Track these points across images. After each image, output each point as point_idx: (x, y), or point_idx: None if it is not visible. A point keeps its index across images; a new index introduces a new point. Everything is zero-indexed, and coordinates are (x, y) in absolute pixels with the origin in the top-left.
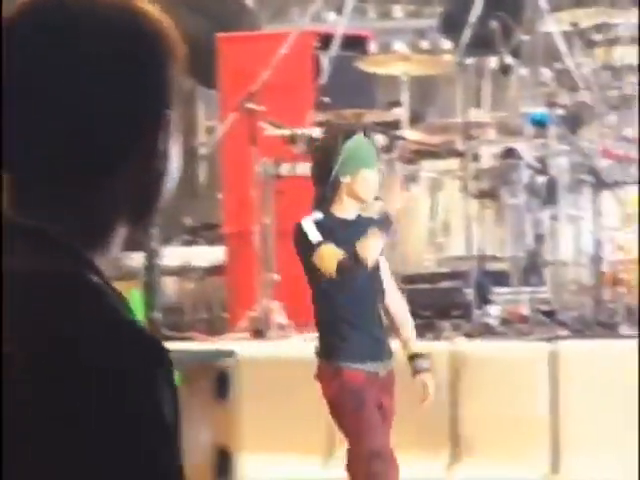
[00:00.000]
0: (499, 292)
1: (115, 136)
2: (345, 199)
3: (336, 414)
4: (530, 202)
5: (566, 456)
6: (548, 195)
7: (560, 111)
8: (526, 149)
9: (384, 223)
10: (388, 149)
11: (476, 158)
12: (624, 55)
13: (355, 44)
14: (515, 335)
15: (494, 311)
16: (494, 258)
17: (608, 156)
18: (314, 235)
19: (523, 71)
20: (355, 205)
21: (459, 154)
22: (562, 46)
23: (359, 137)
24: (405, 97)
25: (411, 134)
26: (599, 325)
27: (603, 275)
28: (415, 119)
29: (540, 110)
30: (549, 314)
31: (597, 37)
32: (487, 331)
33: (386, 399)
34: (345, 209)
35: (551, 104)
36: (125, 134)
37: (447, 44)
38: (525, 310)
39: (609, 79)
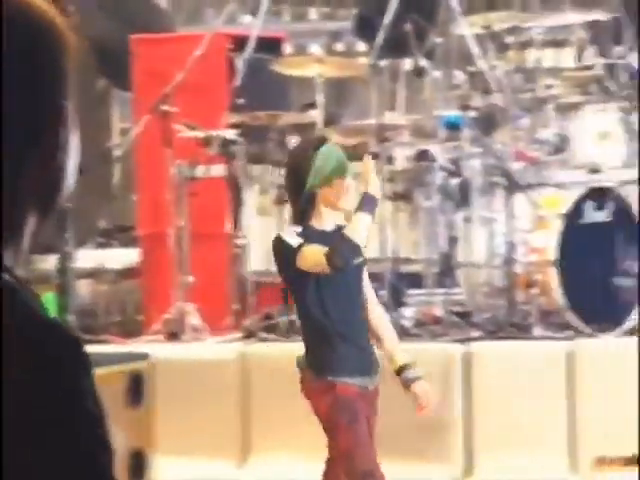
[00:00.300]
0: (413, 294)
1: (16, 131)
2: (323, 210)
3: (330, 430)
4: (444, 204)
5: (479, 457)
6: (461, 197)
7: (473, 114)
8: (440, 151)
9: (368, 204)
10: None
11: (390, 160)
12: (537, 58)
13: (270, 46)
14: (429, 337)
15: (408, 313)
16: (408, 260)
17: (521, 158)
18: (294, 240)
19: (437, 74)
20: (334, 215)
21: (373, 156)
22: (475, 49)
23: (329, 146)
24: (320, 99)
25: (327, 135)
26: (512, 326)
27: (516, 277)
28: (330, 121)
29: (453, 113)
30: (463, 316)
31: (509, 40)
32: (401, 333)
33: (372, 416)
34: (324, 220)
35: (464, 107)
36: (25, 128)
37: (361, 46)
38: (439, 312)
39: (522, 82)
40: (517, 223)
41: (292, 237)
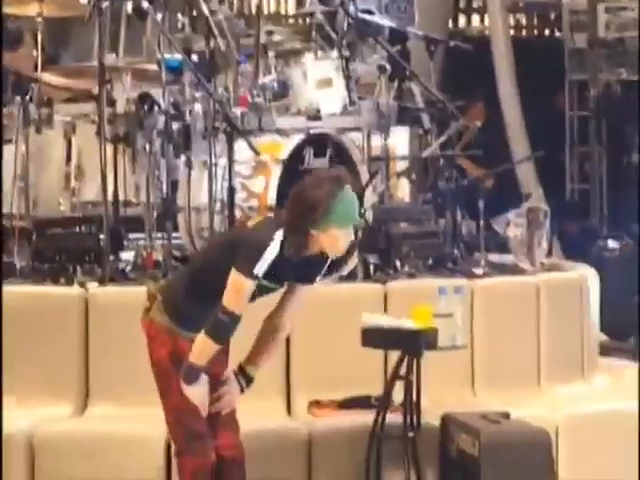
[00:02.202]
0: (133, 238)
1: None
2: (311, 249)
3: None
4: (165, 148)
5: None
6: (183, 141)
7: (195, 58)
8: (161, 95)
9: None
10: (24, 93)
11: (112, 103)
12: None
13: None
14: (148, 280)
15: (128, 257)
16: (128, 204)
17: (242, 104)
18: (262, 265)
19: (159, 16)
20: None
21: (94, 98)
22: None
23: (344, 192)
24: (39, 39)
25: (46, 76)
26: None
27: (236, 221)
28: (50, 61)
29: (176, 56)
30: (183, 260)
31: None
32: (120, 277)
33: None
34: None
35: (186, 50)
36: None
37: None
38: (159, 256)
39: (244, 27)
40: (237, 168)
41: (269, 257)
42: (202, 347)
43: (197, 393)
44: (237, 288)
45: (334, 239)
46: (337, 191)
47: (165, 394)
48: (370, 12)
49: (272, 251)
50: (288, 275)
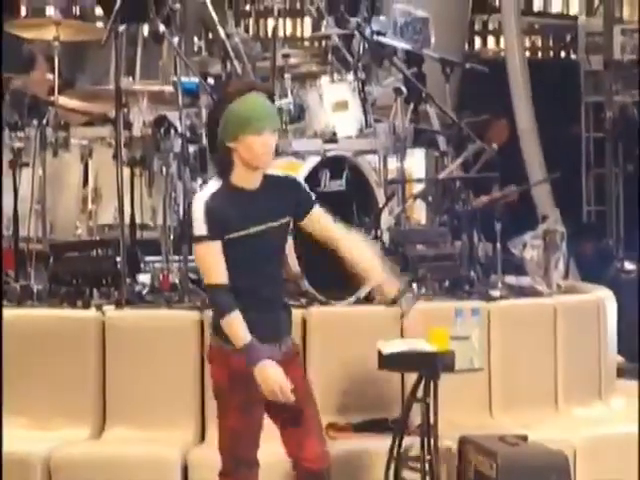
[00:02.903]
0: (150, 260)
1: None
2: (239, 166)
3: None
4: (182, 171)
5: (212, 424)
6: (199, 164)
7: (212, 80)
8: (178, 118)
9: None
10: (41, 116)
11: (128, 126)
12: (275, 27)
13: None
14: (165, 303)
15: (144, 279)
16: (145, 227)
17: None
18: (199, 225)
19: (175, 40)
20: (253, 173)
21: (111, 121)
22: (214, 15)
23: (246, 97)
24: (56, 63)
25: (62, 100)
26: None
27: None
28: (67, 85)
29: (192, 79)
30: (199, 283)
31: (249, 8)
32: (137, 299)
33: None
34: (243, 177)
35: (203, 74)
36: None
37: (99, 10)
38: (175, 279)
39: (260, 50)
40: None
41: (199, 214)
42: (227, 329)
43: (270, 373)
44: (197, 257)
45: (249, 147)
46: (236, 96)
47: (222, 415)
48: (381, 34)
49: (198, 206)
50: (260, 213)
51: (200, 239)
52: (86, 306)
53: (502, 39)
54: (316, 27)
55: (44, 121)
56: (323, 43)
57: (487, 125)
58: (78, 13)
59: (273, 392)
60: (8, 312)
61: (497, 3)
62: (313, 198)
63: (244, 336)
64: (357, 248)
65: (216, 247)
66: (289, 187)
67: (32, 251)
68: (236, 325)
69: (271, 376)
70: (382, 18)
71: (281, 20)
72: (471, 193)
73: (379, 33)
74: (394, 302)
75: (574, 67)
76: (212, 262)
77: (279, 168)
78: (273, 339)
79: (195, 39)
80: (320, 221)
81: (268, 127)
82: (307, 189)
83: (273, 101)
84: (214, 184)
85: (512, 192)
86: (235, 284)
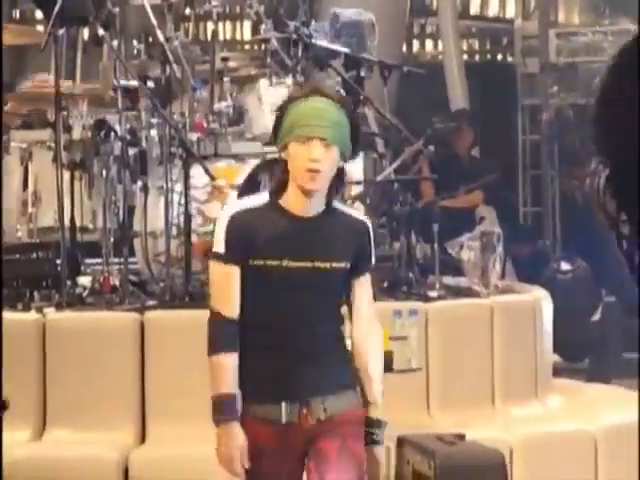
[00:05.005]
0: (90, 263)
1: None
2: (292, 187)
3: None
4: (121, 174)
5: (152, 426)
6: (139, 167)
7: (151, 84)
8: (118, 121)
9: None
10: None
11: (68, 129)
12: (214, 30)
13: None
14: (105, 305)
15: (85, 282)
16: (85, 229)
17: (198, 129)
18: (218, 241)
19: (115, 43)
20: (308, 199)
21: (50, 125)
22: (153, 20)
23: (305, 100)
24: None
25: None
26: (188, 295)
27: (192, 246)
28: (7, 89)
29: (132, 82)
30: (139, 285)
31: (188, 12)
32: (78, 301)
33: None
34: (294, 201)
35: (142, 77)
36: None
37: (39, 14)
38: (115, 280)
39: (199, 54)
40: (193, 193)
41: (221, 229)
42: (211, 370)
43: (229, 441)
44: (210, 274)
45: (293, 158)
46: (295, 98)
47: None
48: (319, 37)
49: (223, 220)
50: (306, 247)
51: (215, 257)
52: (27, 308)
53: (440, 42)
54: (255, 31)
55: None
56: (262, 46)
57: (454, 131)
58: (18, 16)
59: (223, 461)
60: None
61: (435, 7)
62: (372, 262)
63: (225, 386)
64: (362, 334)
65: (230, 271)
66: (357, 231)
67: None
68: (222, 370)
69: (227, 443)
70: (320, 22)
71: (220, 24)
72: (409, 195)
73: (317, 37)
74: (368, 426)
75: (511, 70)
76: (221, 288)
77: (218, 171)
78: (291, 398)
79: (135, 42)
80: (356, 295)
81: (317, 136)
82: (372, 246)
83: (349, 112)
84: (256, 198)
85: (477, 195)
86: (256, 320)
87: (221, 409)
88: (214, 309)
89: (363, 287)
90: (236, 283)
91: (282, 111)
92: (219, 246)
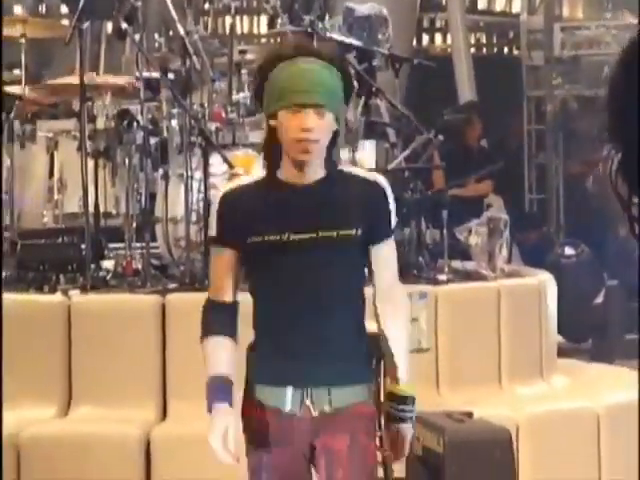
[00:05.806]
0: (113, 247)
1: None
2: (285, 156)
3: None
4: (143, 162)
5: (173, 404)
6: (160, 156)
7: (172, 76)
8: (140, 111)
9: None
10: (9, 110)
11: (92, 119)
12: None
13: None
14: (128, 288)
15: (108, 265)
16: (109, 215)
17: (216, 119)
18: (211, 223)
19: (137, 36)
20: (303, 168)
21: (76, 115)
22: (173, 13)
23: (292, 63)
24: (23, 59)
25: (29, 94)
26: (208, 278)
27: None
28: (33, 80)
29: (153, 74)
30: (160, 268)
31: (207, 6)
32: (101, 284)
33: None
34: (292, 171)
35: (163, 69)
36: None
37: (64, 9)
38: (138, 264)
39: (217, 46)
40: (212, 180)
41: (227, 186)
42: (204, 353)
43: (216, 422)
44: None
45: (284, 128)
46: (277, 58)
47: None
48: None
49: (215, 201)
50: (307, 217)
51: (210, 241)
52: (52, 291)
53: (449, 36)
54: (271, 25)
55: (11, 114)
56: (278, 40)
57: (464, 123)
58: (44, 11)
59: (213, 445)
60: None
61: (444, 2)
62: (393, 224)
63: (214, 369)
64: (391, 335)
65: (223, 254)
66: (369, 194)
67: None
68: (211, 353)
69: (216, 425)
70: (335, 16)
71: (238, 18)
72: (420, 183)
73: (331, 30)
74: (391, 399)
75: (517, 63)
76: (214, 271)
77: (236, 160)
78: (294, 385)
79: (156, 36)
80: (375, 264)
81: (310, 104)
82: (393, 208)
83: (339, 67)
84: (252, 177)
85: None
86: (263, 301)
87: (207, 394)
88: (208, 295)
89: (382, 255)
90: (229, 266)
91: (264, 73)
92: (211, 229)
